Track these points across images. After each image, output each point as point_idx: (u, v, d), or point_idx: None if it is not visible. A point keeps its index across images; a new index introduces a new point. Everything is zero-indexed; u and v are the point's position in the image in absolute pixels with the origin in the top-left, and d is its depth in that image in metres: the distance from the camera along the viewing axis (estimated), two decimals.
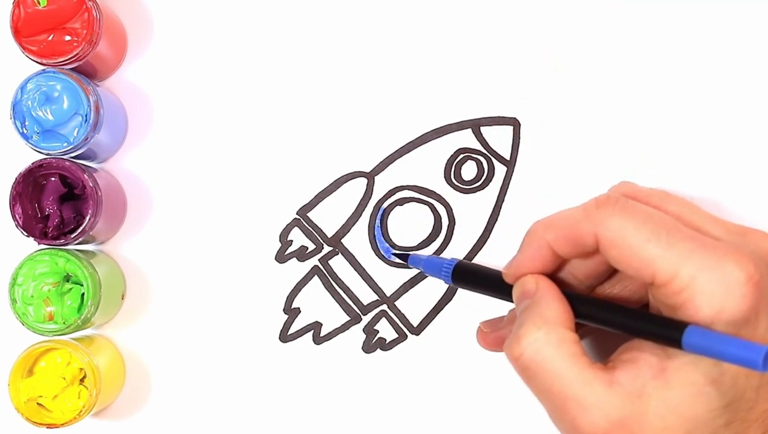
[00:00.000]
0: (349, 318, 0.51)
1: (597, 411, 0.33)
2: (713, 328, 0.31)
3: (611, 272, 0.38)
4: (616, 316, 0.35)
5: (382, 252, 0.51)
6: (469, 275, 0.43)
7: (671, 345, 0.32)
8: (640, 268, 0.33)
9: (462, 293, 0.50)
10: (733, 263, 0.31)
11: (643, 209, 0.34)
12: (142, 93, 0.52)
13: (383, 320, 0.51)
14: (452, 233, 0.51)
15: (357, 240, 0.51)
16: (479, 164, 0.51)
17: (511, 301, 0.39)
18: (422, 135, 0.51)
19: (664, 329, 0.33)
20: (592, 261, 0.37)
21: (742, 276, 0.31)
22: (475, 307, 0.50)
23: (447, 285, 0.50)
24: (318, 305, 0.51)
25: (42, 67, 0.47)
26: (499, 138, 0.51)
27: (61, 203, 0.49)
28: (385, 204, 0.51)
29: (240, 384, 0.51)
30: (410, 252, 0.50)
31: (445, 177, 0.51)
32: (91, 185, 0.47)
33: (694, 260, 0.32)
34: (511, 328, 0.39)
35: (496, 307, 0.50)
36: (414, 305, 0.51)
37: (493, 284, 0.41)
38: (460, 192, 0.51)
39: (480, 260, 0.51)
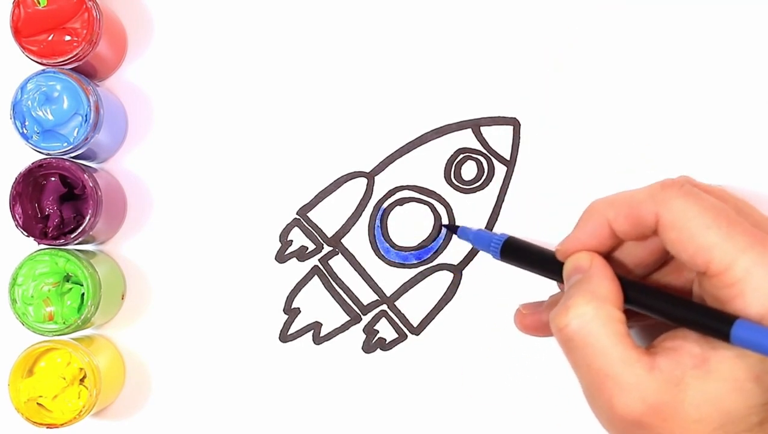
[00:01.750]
0: (349, 318, 0.51)
1: (635, 393, 0.33)
2: (763, 324, 0.31)
3: (659, 265, 0.38)
4: (665, 303, 0.35)
5: (382, 252, 0.51)
6: (518, 252, 0.42)
7: (718, 337, 0.32)
8: (695, 254, 0.33)
9: (462, 293, 0.50)
10: None
11: (707, 197, 0.34)
12: (142, 93, 0.52)
13: (383, 321, 0.51)
14: (452, 233, 0.51)
15: (357, 240, 0.51)
16: (479, 164, 0.51)
17: (559, 280, 0.39)
18: (422, 135, 0.51)
19: (713, 320, 0.32)
20: (645, 247, 0.37)
21: None
22: (475, 307, 0.50)
23: (447, 285, 0.50)
24: (318, 305, 0.51)
25: (42, 67, 0.47)
26: (499, 138, 0.51)
27: (61, 203, 0.49)
28: (385, 204, 0.51)
29: (240, 384, 0.51)
30: (460, 225, 0.49)
31: (445, 177, 0.51)
32: (91, 185, 0.47)
33: (751, 254, 0.31)
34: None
35: (496, 307, 0.50)
36: (414, 305, 0.51)
37: (542, 261, 0.40)
38: (460, 192, 0.51)
39: (480, 259, 0.51)
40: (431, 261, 0.51)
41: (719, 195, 0.36)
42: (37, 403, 0.47)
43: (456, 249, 0.51)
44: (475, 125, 0.51)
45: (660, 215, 0.34)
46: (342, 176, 0.51)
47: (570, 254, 0.37)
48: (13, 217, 0.47)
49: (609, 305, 0.35)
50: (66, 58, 0.46)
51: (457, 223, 0.51)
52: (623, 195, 0.36)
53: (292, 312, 0.51)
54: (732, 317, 0.32)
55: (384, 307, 0.51)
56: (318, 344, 0.51)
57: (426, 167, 0.51)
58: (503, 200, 0.51)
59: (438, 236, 0.51)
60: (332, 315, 0.51)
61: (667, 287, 0.38)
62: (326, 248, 0.51)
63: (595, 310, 0.34)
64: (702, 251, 0.32)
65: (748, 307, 0.32)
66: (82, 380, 0.48)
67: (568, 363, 0.36)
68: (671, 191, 0.34)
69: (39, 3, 0.46)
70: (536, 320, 0.41)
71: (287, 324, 0.51)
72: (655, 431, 0.33)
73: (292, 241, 0.51)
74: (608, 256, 0.37)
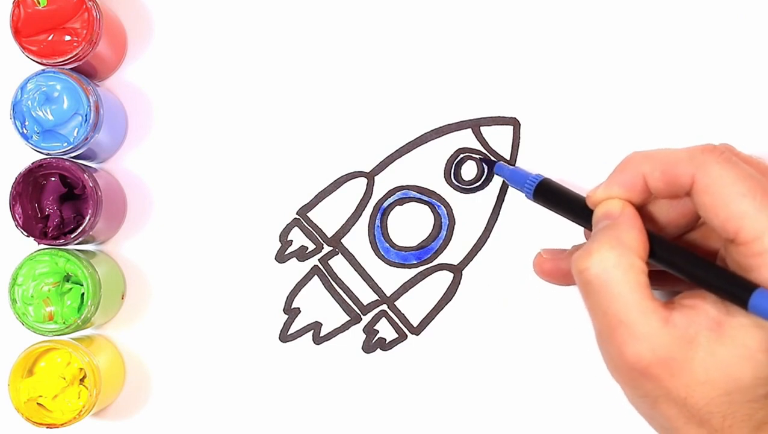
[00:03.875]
0: (349, 318, 0.51)
1: (646, 343, 0.33)
2: None
3: (688, 228, 0.38)
4: (688, 262, 0.35)
5: (382, 252, 0.51)
6: (551, 194, 0.43)
7: (736, 302, 0.32)
8: (727, 220, 0.33)
9: (462, 293, 0.50)
10: None
11: (745, 166, 0.34)
12: (142, 93, 0.52)
13: (383, 321, 0.51)
14: (452, 233, 0.51)
15: (357, 240, 0.51)
16: (479, 163, 0.51)
17: (588, 226, 0.39)
18: (422, 135, 0.51)
19: (734, 286, 0.33)
20: (676, 207, 0.37)
21: None
22: (475, 307, 0.50)
23: (447, 285, 0.50)
24: (318, 305, 0.51)
25: (42, 67, 0.47)
26: (499, 138, 0.51)
27: (61, 203, 0.49)
28: (385, 204, 0.51)
29: (240, 384, 0.51)
30: (498, 161, 0.49)
31: (445, 177, 0.51)
32: (91, 185, 0.47)
33: None
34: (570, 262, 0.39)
35: (496, 307, 0.50)
36: (414, 305, 0.51)
37: (573, 206, 0.40)
38: (460, 192, 0.51)
39: (481, 260, 0.51)
40: (431, 261, 0.51)
41: (759, 167, 0.36)
42: (37, 403, 0.47)
43: (456, 249, 0.51)
44: (475, 125, 0.51)
45: (696, 178, 0.34)
46: (342, 176, 0.51)
47: (599, 203, 0.37)
48: (13, 217, 0.47)
49: (633, 254, 0.34)
50: (66, 58, 0.46)
51: (457, 221, 0.51)
52: (662, 152, 0.36)
53: (292, 312, 0.51)
54: (753, 286, 0.32)
55: (384, 307, 0.51)
56: (318, 344, 0.51)
57: (426, 167, 0.51)
58: (503, 200, 0.51)
59: (438, 235, 0.51)
60: (332, 315, 0.51)
61: (693, 249, 0.38)
62: (326, 248, 0.51)
63: (618, 257, 0.34)
64: (734, 218, 0.32)
65: None
66: (82, 380, 0.48)
67: (585, 306, 0.36)
68: (711, 155, 0.34)
69: (39, 3, 0.46)
70: (555, 267, 0.41)
71: (287, 324, 0.51)
72: (660, 384, 0.34)
73: (292, 241, 0.51)
74: (639, 210, 0.37)
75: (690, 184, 0.34)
